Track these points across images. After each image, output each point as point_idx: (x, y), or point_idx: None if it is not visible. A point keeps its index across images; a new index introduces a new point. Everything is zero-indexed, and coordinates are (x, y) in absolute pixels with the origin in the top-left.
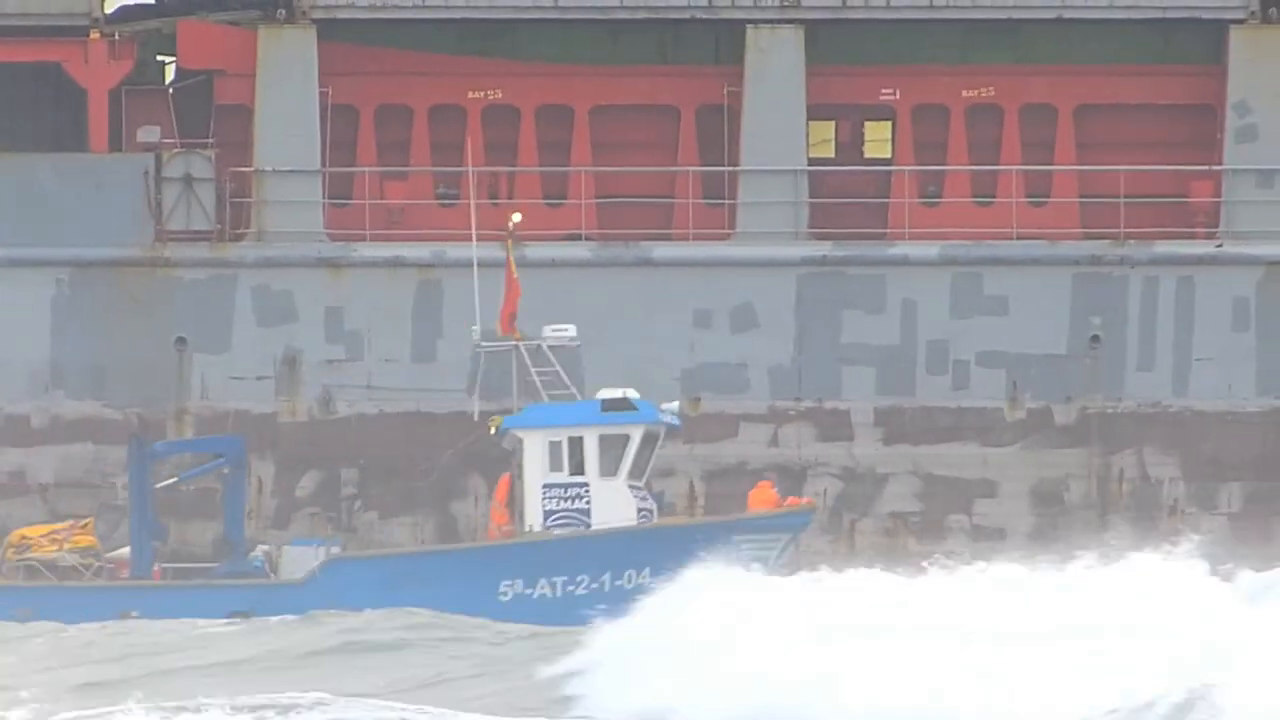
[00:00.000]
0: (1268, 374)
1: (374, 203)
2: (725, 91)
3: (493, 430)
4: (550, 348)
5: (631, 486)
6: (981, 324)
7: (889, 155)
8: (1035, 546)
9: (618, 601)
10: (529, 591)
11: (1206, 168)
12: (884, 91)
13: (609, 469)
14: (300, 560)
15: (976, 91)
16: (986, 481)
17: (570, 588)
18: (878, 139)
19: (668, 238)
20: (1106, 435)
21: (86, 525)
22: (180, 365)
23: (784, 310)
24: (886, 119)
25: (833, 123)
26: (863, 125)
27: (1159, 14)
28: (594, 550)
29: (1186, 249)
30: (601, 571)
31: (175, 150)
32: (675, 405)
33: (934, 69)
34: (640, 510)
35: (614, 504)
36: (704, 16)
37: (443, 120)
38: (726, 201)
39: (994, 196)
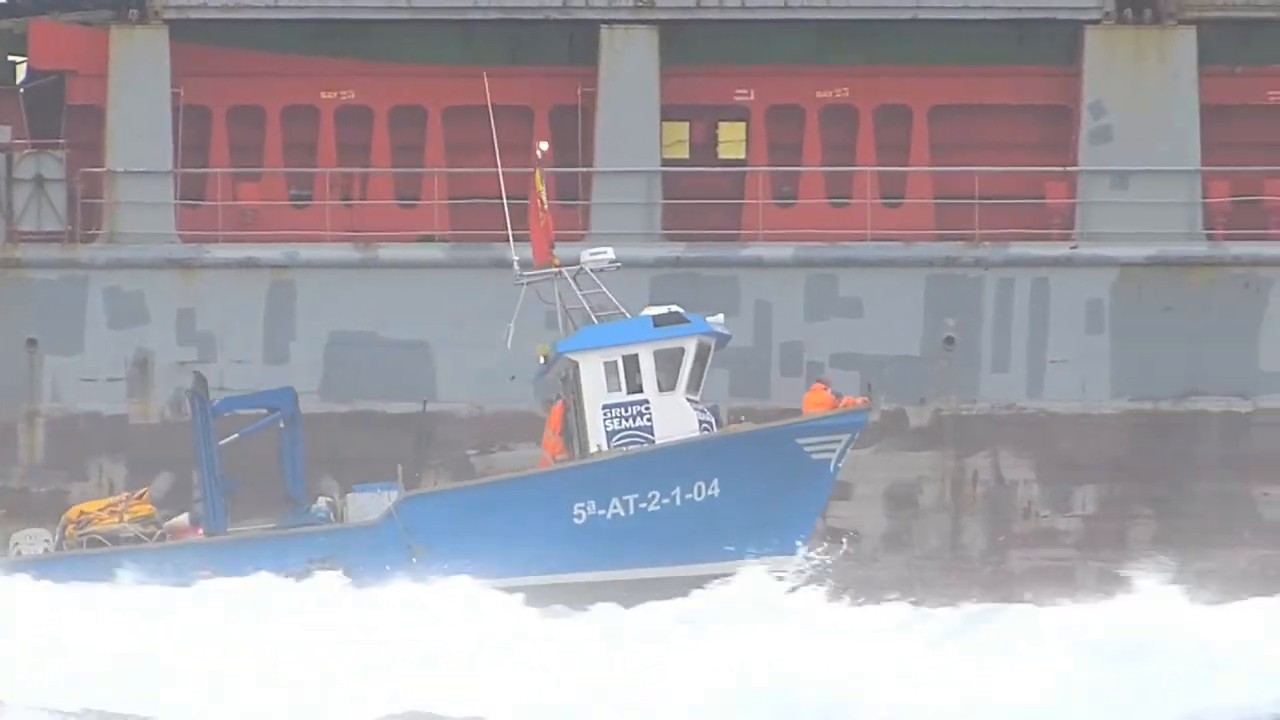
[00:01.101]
0: (1122, 376)
1: (226, 204)
2: (579, 92)
3: (541, 359)
4: (592, 271)
5: (689, 400)
6: (836, 326)
7: (743, 156)
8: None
9: (690, 516)
10: (602, 512)
11: (1061, 169)
12: (738, 92)
13: (667, 384)
14: (366, 506)
15: (831, 92)
16: (841, 483)
17: (643, 505)
18: (732, 140)
19: (522, 239)
20: (961, 437)
21: (143, 495)
22: (31, 367)
23: (636, 311)
24: (741, 120)
25: (687, 123)
26: (717, 126)
27: (1014, 15)
28: (663, 465)
29: (1041, 251)
30: (672, 486)
31: (26, 151)
32: (720, 317)
33: (789, 70)
34: (701, 423)
35: (675, 418)
36: (558, 17)
37: (296, 121)
38: (580, 202)
39: (849, 198)
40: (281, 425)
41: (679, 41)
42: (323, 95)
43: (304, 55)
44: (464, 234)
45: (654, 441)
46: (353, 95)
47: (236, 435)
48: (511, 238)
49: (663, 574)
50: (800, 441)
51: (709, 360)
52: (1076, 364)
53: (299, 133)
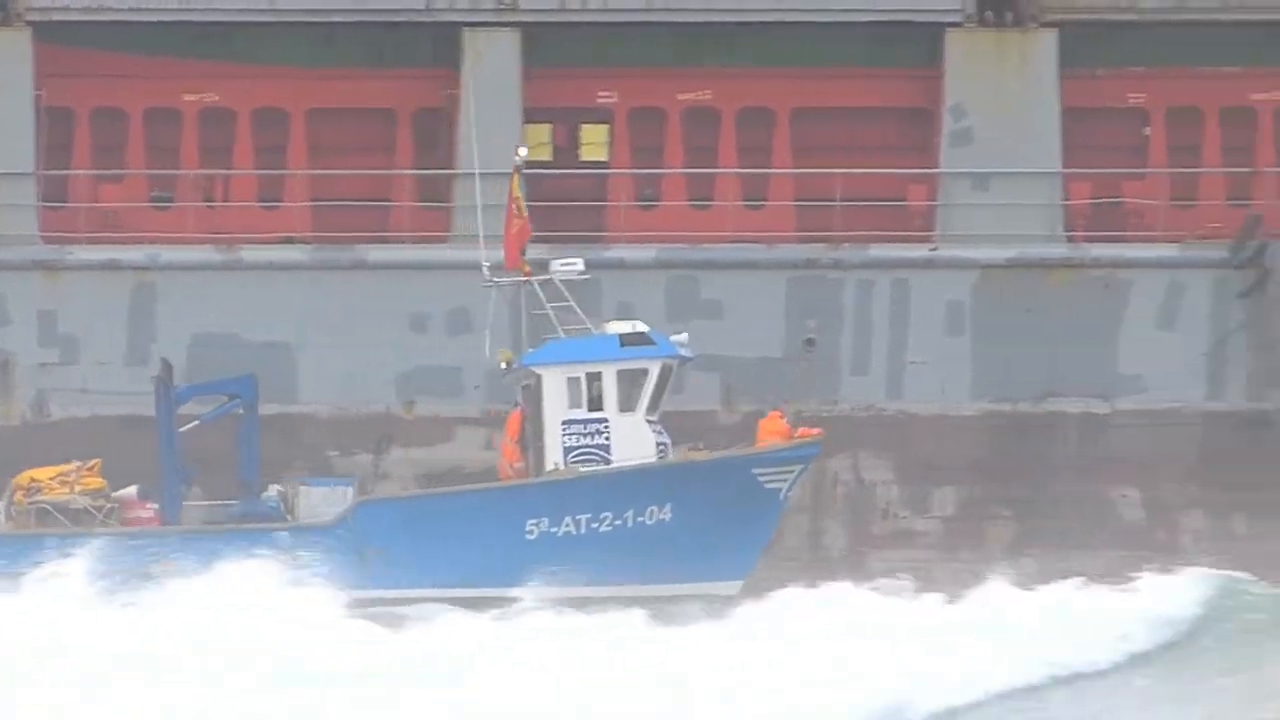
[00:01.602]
0: (982, 377)
1: (89, 206)
2: (442, 94)
3: (502, 365)
4: (560, 281)
5: (648, 421)
6: (697, 327)
7: (605, 158)
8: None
9: (639, 538)
10: (554, 529)
11: (922, 171)
12: (601, 94)
13: (627, 404)
14: (317, 500)
15: (693, 94)
16: None
17: (594, 525)
18: (594, 142)
19: (384, 241)
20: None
21: (94, 466)
22: None
23: (499, 313)
24: (603, 122)
25: (549, 126)
26: (579, 128)
27: (875, 17)
28: (618, 488)
29: (901, 252)
30: (625, 509)
31: None
32: (684, 337)
33: (651, 72)
34: (658, 444)
35: (633, 439)
36: (421, 19)
37: (158, 123)
38: (443, 204)
39: (710, 200)
40: (241, 412)
41: (541, 44)
42: (185, 97)
43: (167, 57)
44: (326, 236)
45: (610, 460)
46: (215, 97)
47: (197, 421)
48: (483, 239)
49: (609, 593)
50: (755, 471)
51: (670, 381)
52: (936, 365)
53: (161, 134)
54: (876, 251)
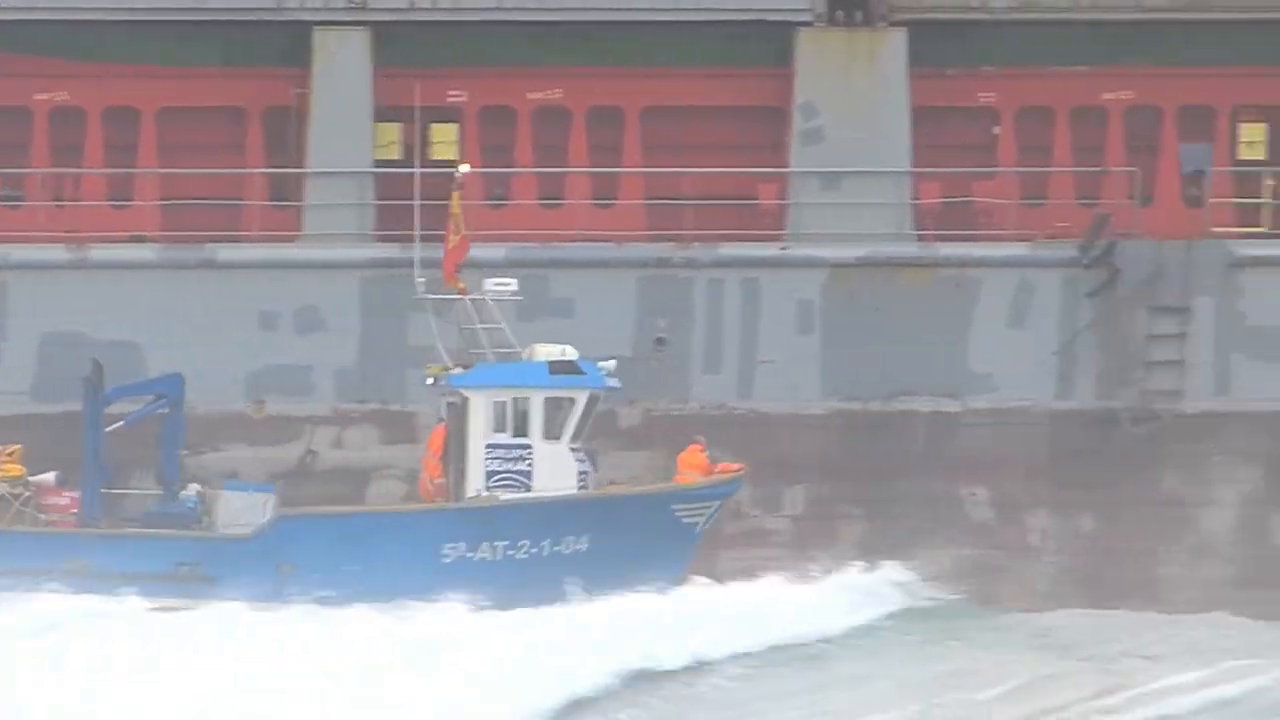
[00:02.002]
0: (832, 376)
1: None
2: (293, 93)
3: (430, 380)
4: (493, 301)
5: (572, 449)
6: (548, 326)
7: (455, 157)
8: None
9: (554, 568)
10: (470, 554)
11: (773, 170)
12: (451, 93)
13: (552, 432)
14: (235, 505)
15: (543, 94)
16: None
17: (511, 552)
18: (444, 141)
19: (235, 240)
20: (672, 437)
21: (14, 453)
22: None
23: (350, 312)
24: (453, 121)
25: (399, 125)
26: (429, 127)
27: (726, 16)
28: (537, 517)
29: (752, 251)
30: (542, 537)
31: None
32: (612, 364)
33: (501, 71)
34: (580, 473)
35: (556, 467)
36: (271, 18)
37: (8, 121)
38: (293, 204)
39: (561, 199)
40: (165, 411)
41: (392, 43)
42: (35, 96)
43: (16, 55)
44: (175, 235)
45: (531, 487)
46: (66, 96)
47: (122, 423)
48: (418, 258)
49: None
50: (675, 508)
51: (596, 409)
52: (787, 364)
53: (11, 133)
54: (727, 250)
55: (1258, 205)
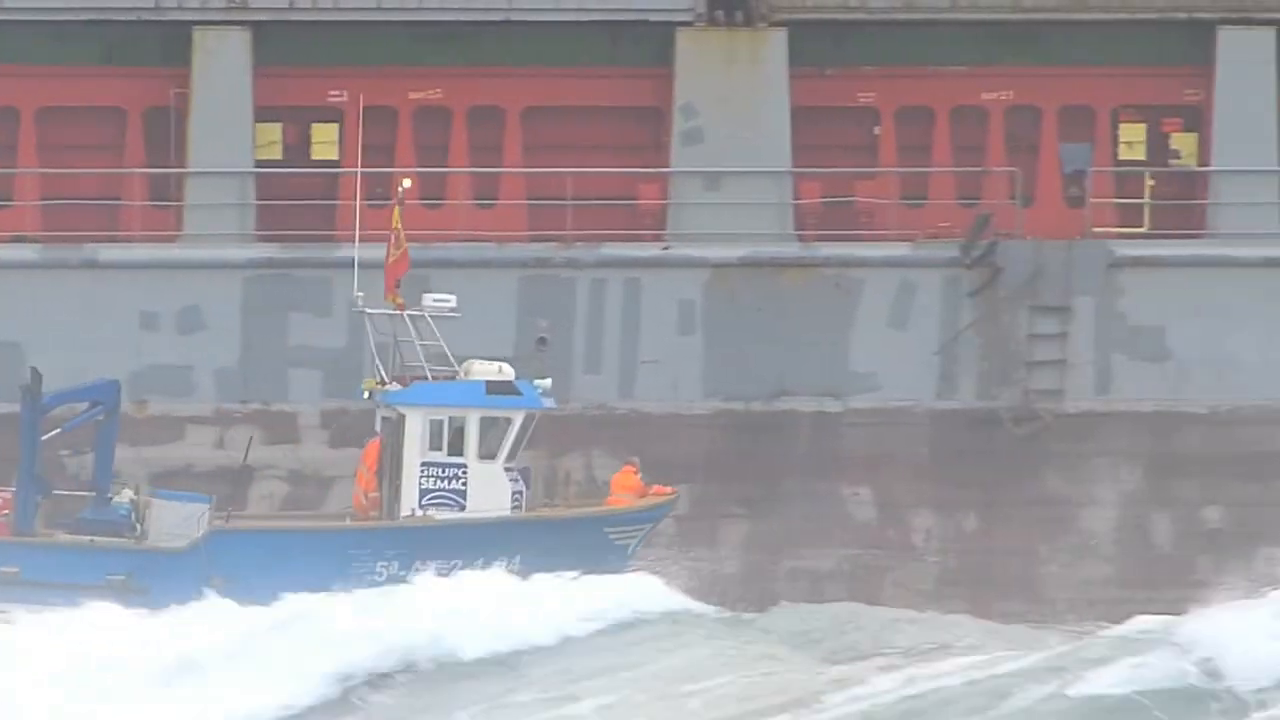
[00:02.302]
0: (714, 376)
1: None
2: (173, 93)
3: (366, 395)
4: (431, 318)
5: (506, 469)
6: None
7: (336, 157)
8: None
9: None
10: (403, 573)
11: (653, 170)
12: (331, 93)
13: (488, 451)
14: (170, 516)
15: (424, 93)
16: None
17: (444, 571)
18: (325, 141)
19: (115, 240)
20: (554, 437)
21: None
22: None
23: (230, 313)
24: (334, 121)
25: (280, 124)
26: (310, 127)
27: (606, 16)
28: (470, 536)
29: (633, 252)
30: (475, 557)
31: None
32: (548, 383)
33: (382, 71)
34: (514, 493)
35: (490, 487)
36: (150, 18)
37: None
38: (174, 204)
39: (442, 199)
40: (101, 418)
41: (272, 42)
42: None
43: None
44: (56, 235)
45: (465, 506)
46: None
47: (59, 430)
48: (356, 272)
49: None
50: (607, 530)
51: (531, 428)
52: (668, 364)
53: None
54: (608, 250)
55: (1138, 205)
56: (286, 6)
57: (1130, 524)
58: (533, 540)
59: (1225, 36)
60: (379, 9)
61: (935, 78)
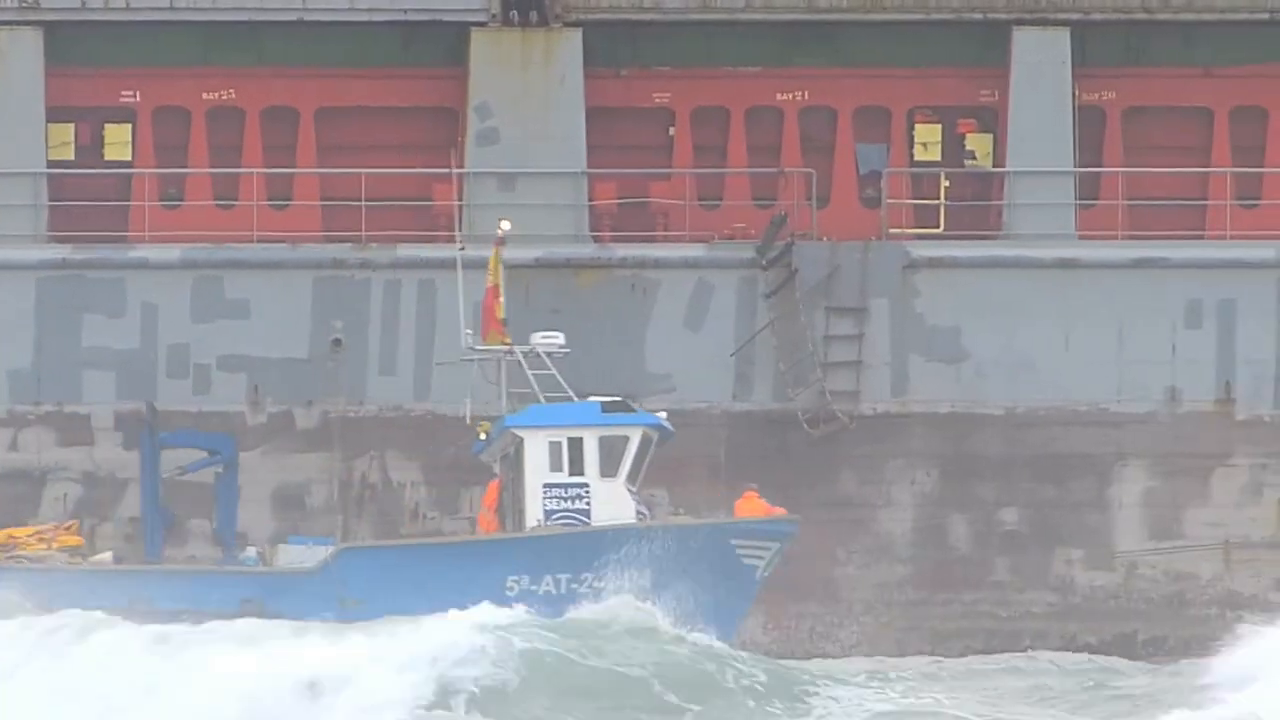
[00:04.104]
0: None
1: None
2: None
3: (481, 435)
4: (542, 353)
5: (628, 489)
6: (222, 328)
7: (129, 158)
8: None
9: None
10: (534, 587)
11: (448, 171)
12: (124, 94)
13: (608, 470)
14: (295, 558)
15: (217, 94)
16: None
17: (574, 585)
18: (118, 141)
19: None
20: (348, 439)
21: (71, 526)
22: None
23: (23, 314)
24: (127, 121)
25: (72, 125)
26: (103, 127)
27: (400, 16)
28: (597, 547)
29: (428, 253)
30: (603, 569)
31: None
32: (663, 414)
33: (175, 72)
34: (637, 512)
35: (613, 505)
36: None
37: None
38: None
39: (235, 199)
40: (220, 470)
41: (64, 42)
42: None
43: None
44: None
45: (590, 524)
46: None
47: (181, 470)
48: (462, 315)
49: None
50: (734, 543)
51: (650, 453)
52: (464, 365)
53: None
54: (403, 252)
55: (934, 206)
56: (78, 6)
57: (927, 525)
58: (659, 550)
59: (1020, 37)
60: (171, 9)
61: (730, 78)
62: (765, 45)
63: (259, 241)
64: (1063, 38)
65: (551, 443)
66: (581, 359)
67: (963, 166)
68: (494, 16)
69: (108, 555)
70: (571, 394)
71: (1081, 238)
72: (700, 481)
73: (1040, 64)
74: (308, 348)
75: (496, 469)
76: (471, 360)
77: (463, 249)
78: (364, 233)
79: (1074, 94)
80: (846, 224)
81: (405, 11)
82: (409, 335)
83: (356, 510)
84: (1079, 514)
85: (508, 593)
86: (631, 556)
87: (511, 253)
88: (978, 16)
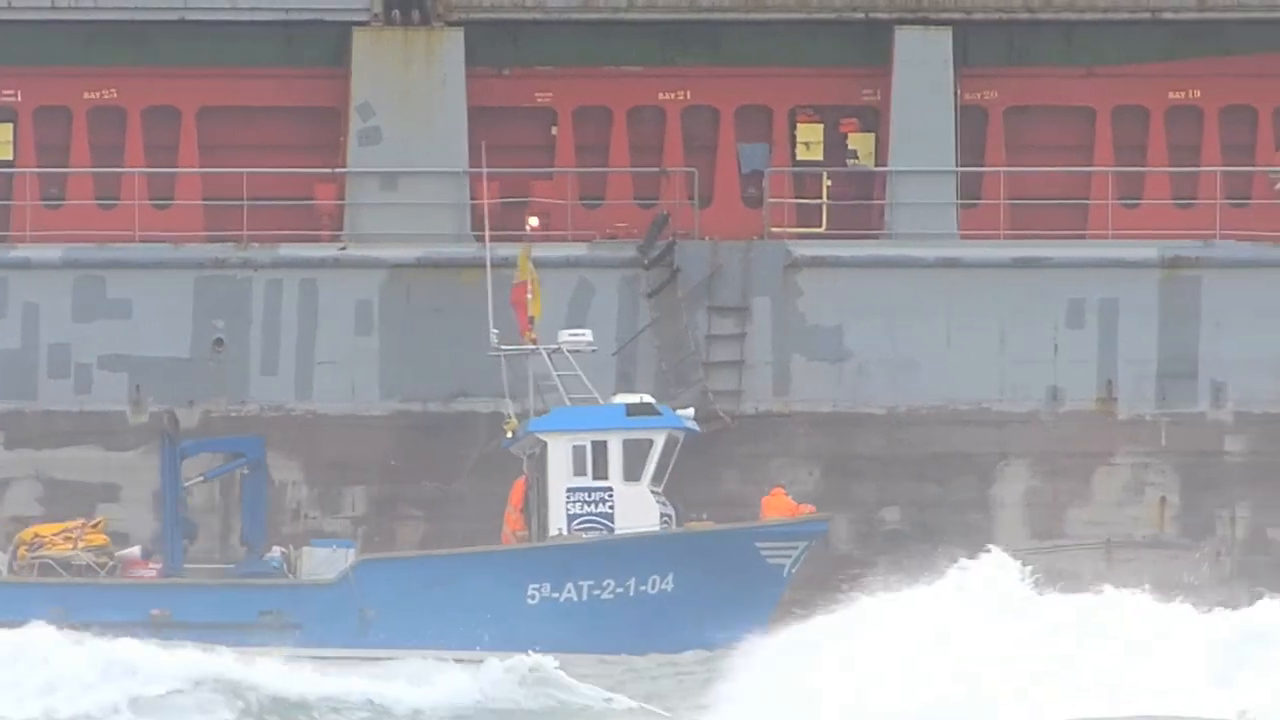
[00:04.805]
0: (391, 377)
1: None
2: None
3: (509, 433)
4: (569, 352)
5: (652, 491)
6: (104, 328)
7: (11, 157)
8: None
9: (640, 607)
10: (556, 595)
11: (330, 171)
12: (5, 93)
13: (632, 473)
14: (321, 561)
15: (99, 93)
16: (109, 485)
17: (596, 592)
18: (0, 141)
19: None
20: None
21: (99, 524)
22: None
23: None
24: (8, 121)
25: None
26: None
27: (282, 16)
28: (621, 555)
29: (310, 252)
30: (627, 577)
31: None
32: (690, 411)
33: (56, 70)
34: (662, 515)
35: (637, 508)
36: None
37: None
38: None
39: (117, 199)
40: (246, 472)
41: None
42: None
43: None
44: None
45: (613, 529)
46: None
47: (202, 477)
48: (491, 310)
49: (608, 661)
50: (759, 545)
51: (675, 454)
52: (346, 365)
53: None
54: (285, 251)
55: (816, 206)
56: None
57: None
58: (684, 556)
59: (902, 37)
60: (52, 8)
61: (613, 78)
62: (647, 45)
63: (141, 241)
64: (945, 37)
65: (575, 446)
66: (463, 358)
67: (845, 166)
68: (376, 16)
69: (135, 550)
70: (595, 394)
71: (963, 237)
72: None
73: (922, 63)
74: (189, 347)
75: (524, 468)
76: (499, 356)
77: (344, 249)
78: (246, 232)
79: (956, 93)
80: (729, 223)
81: (287, 11)
82: (290, 335)
83: (238, 510)
84: (961, 513)
85: (529, 601)
86: (655, 563)
87: (394, 252)
88: (860, 16)
